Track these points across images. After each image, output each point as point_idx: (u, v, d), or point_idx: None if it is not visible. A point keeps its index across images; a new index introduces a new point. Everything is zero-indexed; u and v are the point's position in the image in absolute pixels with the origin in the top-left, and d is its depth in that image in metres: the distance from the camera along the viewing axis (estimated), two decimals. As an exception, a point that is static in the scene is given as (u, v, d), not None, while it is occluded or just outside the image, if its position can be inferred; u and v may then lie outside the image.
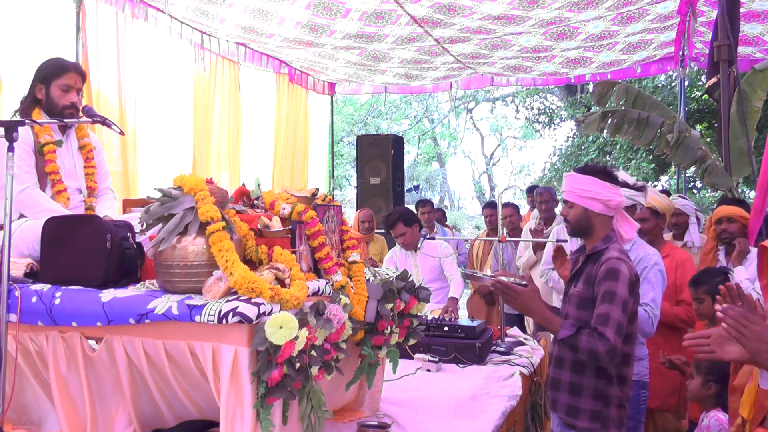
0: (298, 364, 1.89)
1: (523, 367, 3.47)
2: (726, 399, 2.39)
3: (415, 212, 4.97)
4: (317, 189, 2.54)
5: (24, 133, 2.52)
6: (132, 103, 5.31)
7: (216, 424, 2.02)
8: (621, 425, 2.49)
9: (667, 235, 4.53)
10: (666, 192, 5.03)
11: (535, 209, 5.75)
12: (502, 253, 4.78)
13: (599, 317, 2.34)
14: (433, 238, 4.92)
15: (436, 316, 3.81)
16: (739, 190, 6.58)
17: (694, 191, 12.29)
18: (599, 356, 2.30)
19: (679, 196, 4.66)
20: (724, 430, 2.59)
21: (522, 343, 3.97)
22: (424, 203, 6.80)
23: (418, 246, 4.77)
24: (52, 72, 2.67)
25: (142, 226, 2.07)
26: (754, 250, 3.74)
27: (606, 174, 2.52)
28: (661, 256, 3.22)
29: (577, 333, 2.34)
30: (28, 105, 2.69)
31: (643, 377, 3.16)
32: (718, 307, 1.60)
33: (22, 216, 2.51)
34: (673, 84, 11.24)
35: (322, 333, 2.01)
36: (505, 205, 5.96)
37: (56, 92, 2.65)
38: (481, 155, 23.08)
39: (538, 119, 17.34)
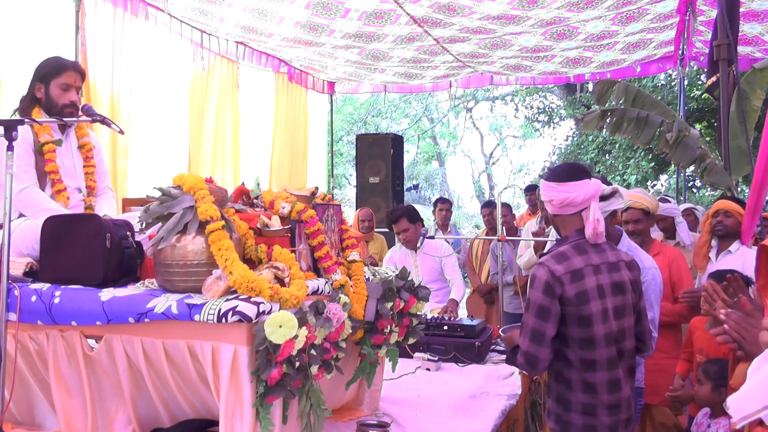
0: (297, 363, 1.89)
1: (523, 366, 3.47)
2: None
3: (417, 211, 4.95)
4: (316, 188, 2.53)
5: (23, 132, 2.53)
6: (131, 101, 5.31)
7: (215, 424, 2.02)
8: None
9: (658, 236, 4.52)
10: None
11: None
12: (501, 253, 4.78)
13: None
14: (433, 237, 4.89)
15: (436, 315, 3.81)
16: (739, 189, 6.57)
17: (694, 190, 12.29)
18: (522, 366, 2.36)
19: (660, 199, 4.57)
20: None
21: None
22: (443, 200, 6.80)
23: (419, 245, 4.74)
24: (51, 71, 2.66)
25: (141, 225, 2.07)
26: (747, 249, 3.73)
27: (552, 174, 2.53)
28: (651, 255, 3.22)
29: (512, 351, 2.41)
30: (28, 104, 2.68)
31: (639, 383, 3.13)
32: (722, 310, 1.61)
33: (21, 215, 2.51)
34: (673, 83, 11.25)
35: (321, 332, 2.01)
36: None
37: (55, 91, 2.65)
38: (480, 154, 23.04)
39: (537, 118, 17.33)
